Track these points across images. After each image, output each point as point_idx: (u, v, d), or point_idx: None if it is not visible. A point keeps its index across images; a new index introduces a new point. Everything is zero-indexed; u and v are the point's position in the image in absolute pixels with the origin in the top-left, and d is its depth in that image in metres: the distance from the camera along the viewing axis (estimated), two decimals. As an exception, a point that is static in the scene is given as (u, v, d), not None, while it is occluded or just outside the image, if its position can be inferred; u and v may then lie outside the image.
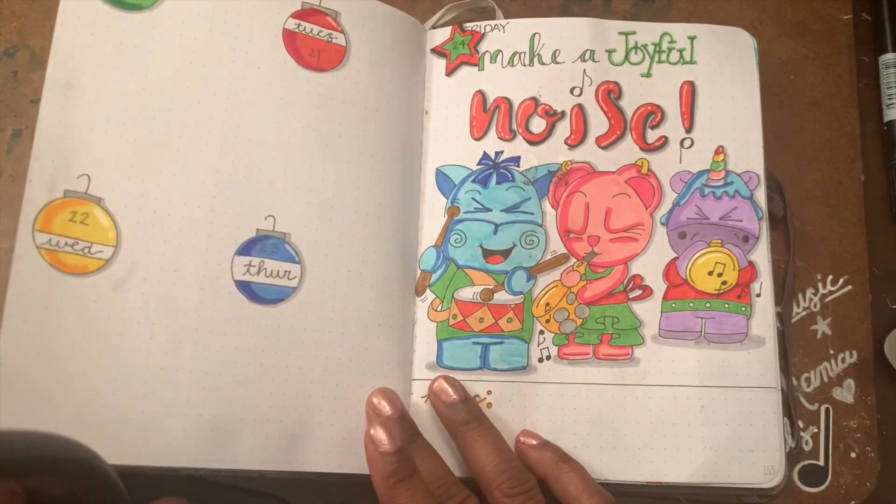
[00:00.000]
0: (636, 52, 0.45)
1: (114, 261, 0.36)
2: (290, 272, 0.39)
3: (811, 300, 0.44)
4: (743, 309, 0.41)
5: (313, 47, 0.42)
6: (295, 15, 0.42)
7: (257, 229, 0.39)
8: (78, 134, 0.37)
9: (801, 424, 0.42)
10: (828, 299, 0.44)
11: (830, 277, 0.44)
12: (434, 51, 0.45)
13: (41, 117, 0.37)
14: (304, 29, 0.42)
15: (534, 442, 0.39)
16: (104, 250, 0.36)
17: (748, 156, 0.43)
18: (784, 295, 0.43)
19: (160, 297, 0.36)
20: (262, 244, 0.39)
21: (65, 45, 0.38)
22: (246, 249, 0.38)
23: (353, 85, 0.42)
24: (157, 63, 0.39)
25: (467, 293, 0.41)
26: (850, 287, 0.44)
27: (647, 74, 0.45)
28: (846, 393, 0.42)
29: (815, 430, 0.42)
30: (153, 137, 0.38)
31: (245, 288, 0.38)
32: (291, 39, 0.41)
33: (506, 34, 0.45)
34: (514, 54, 0.45)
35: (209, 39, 0.40)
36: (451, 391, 0.38)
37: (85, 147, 0.37)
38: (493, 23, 0.45)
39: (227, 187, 0.39)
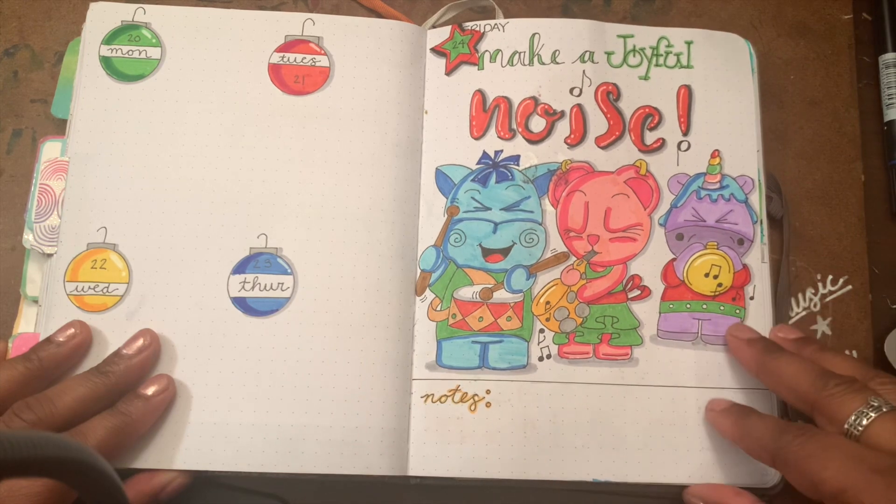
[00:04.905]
0: (634, 55, 0.45)
1: (127, 295, 0.40)
2: (283, 283, 0.41)
3: (811, 300, 0.44)
4: (738, 311, 0.41)
5: (297, 74, 0.44)
6: (279, 49, 0.44)
7: (251, 248, 0.41)
8: (96, 194, 0.42)
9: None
10: (828, 299, 0.44)
11: (830, 277, 0.44)
12: (433, 50, 0.45)
13: (69, 186, 0.42)
14: (288, 59, 0.44)
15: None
16: (119, 288, 0.41)
17: (743, 160, 0.43)
18: (780, 294, 0.43)
19: (165, 320, 0.40)
20: (255, 261, 0.41)
21: (83, 122, 0.43)
22: (240, 268, 0.41)
23: (338, 100, 0.43)
24: (158, 121, 0.43)
25: (467, 292, 0.41)
26: (850, 287, 0.44)
27: (645, 77, 0.45)
28: (846, 392, 0.42)
29: (815, 430, 0.42)
30: (157, 184, 0.42)
31: (240, 303, 0.40)
32: (276, 72, 0.44)
33: (505, 34, 0.45)
34: (513, 54, 0.45)
35: (202, 89, 0.43)
36: (747, 331, 0.40)
37: (101, 203, 0.42)
38: (492, 22, 0.45)
39: (222, 215, 0.42)
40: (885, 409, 0.32)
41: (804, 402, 0.35)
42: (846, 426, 0.32)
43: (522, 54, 0.45)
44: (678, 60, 0.45)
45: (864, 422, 0.32)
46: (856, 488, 0.30)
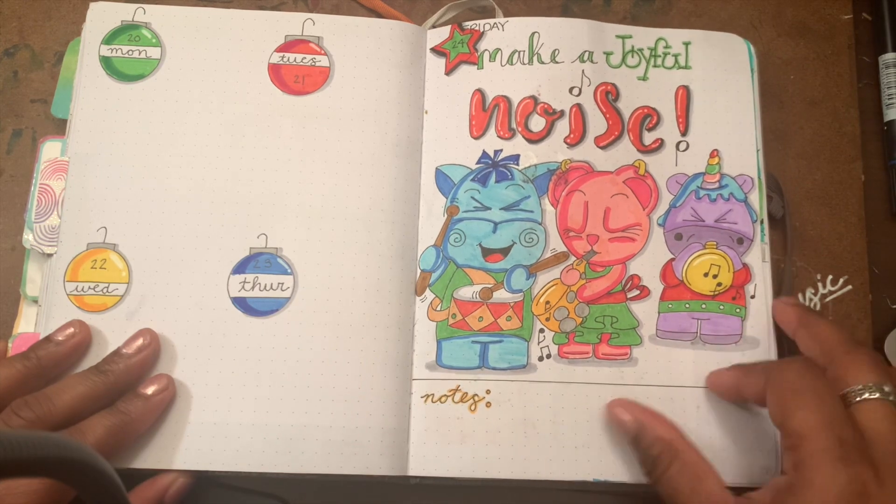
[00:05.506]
0: (633, 56, 0.45)
1: (127, 295, 0.40)
2: (283, 283, 0.41)
3: (811, 300, 0.44)
4: (738, 311, 0.41)
5: (297, 74, 0.44)
6: (279, 49, 0.44)
7: (251, 248, 0.41)
8: (96, 194, 0.42)
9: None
10: (828, 299, 0.44)
11: (830, 277, 0.44)
12: (433, 50, 0.45)
13: (69, 186, 0.42)
14: (288, 59, 0.44)
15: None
16: (119, 288, 0.41)
17: (742, 159, 0.43)
18: (784, 294, 0.43)
19: (165, 320, 0.40)
20: (255, 261, 0.41)
21: (83, 122, 0.43)
22: (240, 268, 0.41)
23: (338, 100, 0.43)
24: (158, 121, 0.43)
25: (466, 292, 0.42)
26: (850, 287, 0.44)
27: (644, 78, 0.45)
28: (846, 392, 0.42)
29: (815, 430, 0.42)
30: (156, 184, 0.42)
31: (240, 303, 0.40)
32: (276, 72, 0.44)
33: (505, 33, 0.45)
34: (513, 53, 0.45)
35: (202, 89, 0.43)
36: (787, 298, 0.41)
37: (101, 203, 0.42)
38: (492, 21, 0.45)
39: (222, 215, 0.42)
40: (891, 399, 0.32)
41: (825, 356, 0.35)
42: (847, 389, 0.32)
43: (522, 53, 0.45)
44: (676, 61, 0.45)
45: (866, 395, 0.32)
46: (812, 451, 0.29)
